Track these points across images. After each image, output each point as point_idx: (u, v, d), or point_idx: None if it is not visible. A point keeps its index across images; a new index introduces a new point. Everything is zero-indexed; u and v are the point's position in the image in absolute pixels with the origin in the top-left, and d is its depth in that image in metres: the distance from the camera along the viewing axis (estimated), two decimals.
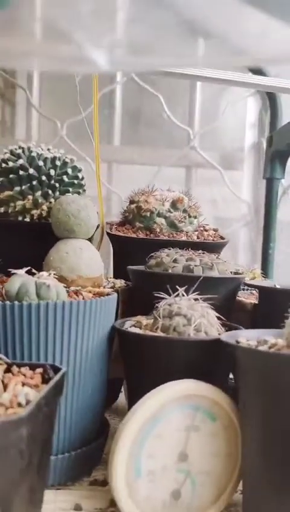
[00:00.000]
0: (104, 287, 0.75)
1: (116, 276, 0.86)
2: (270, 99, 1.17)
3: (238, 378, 0.49)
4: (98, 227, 0.84)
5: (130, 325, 0.59)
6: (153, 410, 0.47)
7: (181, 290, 0.57)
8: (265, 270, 1.12)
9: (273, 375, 0.44)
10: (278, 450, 0.44)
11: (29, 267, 0.56)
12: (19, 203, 0.80)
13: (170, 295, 0.58)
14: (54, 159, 0.81)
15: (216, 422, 0.49)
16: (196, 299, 0.57)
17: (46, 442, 0.40)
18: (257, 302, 0.80)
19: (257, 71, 1.08)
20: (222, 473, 0.49)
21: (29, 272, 0.56)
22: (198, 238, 0.87)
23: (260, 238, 1.21)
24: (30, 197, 0.80)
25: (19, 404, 0.37)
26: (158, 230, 0.85)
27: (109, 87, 1.28)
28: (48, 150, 0.84)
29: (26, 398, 0.37)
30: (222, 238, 0.90)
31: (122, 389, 0.79)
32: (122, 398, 0.80)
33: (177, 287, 0.58)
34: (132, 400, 0.58)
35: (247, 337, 0.52)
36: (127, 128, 1.32)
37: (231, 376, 0.58)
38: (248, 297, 0.84)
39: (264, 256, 1.16)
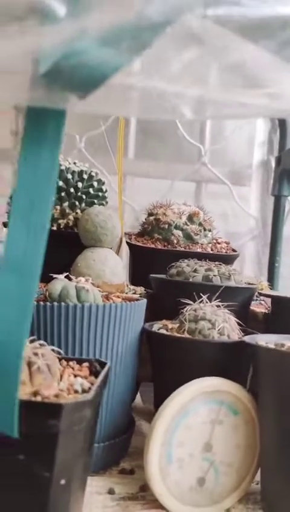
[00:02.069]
0: (126, 293, 0.80)
1: (133, 283, 0.91)
2: (280, 120, 1.23)
3: (258, 376, 0.54)
4: None
5: (158, 328, 0.64)
6: (183, 404, 0.52)
7: (204, 297, 0.63)
8: (271, 282, 1.18)
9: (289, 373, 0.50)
10: None
11: (67, 273, 0.62)
12: None
13: (191, 302, 0.63)
14: (81, 172, 0.87)
15: (238, 416, 0.54)
16: (217, 306, 0.63)
17: (94, 430, 0.45)
18: (267, 311, 0.86)
19: None
20: (242, 463, 0.55)
21: (66, 277, 0.62)
22: (212, 250, 0.93)
23: (266, 252, 1.27)
24: (58, 207, 0.86)
25: (76, 391, 0.42)
26: (175, 241, 0.91)
27: None
28: (74, 163, 0.90)
29: (81, 387, 0.42)
30: (233, 250, 0.96)
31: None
32: (138, 399, 0.85)
33: (201, 294, 0.63)
34: (160, 396, 0.63)
35: (265, 341, 0.57)
36: (141, 143, 1.38)
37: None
38: (257, 307, 0.90)
39: (270, 269, 1.22)
